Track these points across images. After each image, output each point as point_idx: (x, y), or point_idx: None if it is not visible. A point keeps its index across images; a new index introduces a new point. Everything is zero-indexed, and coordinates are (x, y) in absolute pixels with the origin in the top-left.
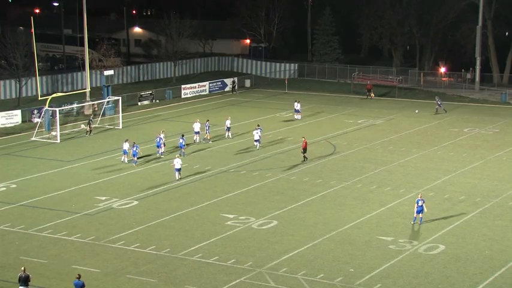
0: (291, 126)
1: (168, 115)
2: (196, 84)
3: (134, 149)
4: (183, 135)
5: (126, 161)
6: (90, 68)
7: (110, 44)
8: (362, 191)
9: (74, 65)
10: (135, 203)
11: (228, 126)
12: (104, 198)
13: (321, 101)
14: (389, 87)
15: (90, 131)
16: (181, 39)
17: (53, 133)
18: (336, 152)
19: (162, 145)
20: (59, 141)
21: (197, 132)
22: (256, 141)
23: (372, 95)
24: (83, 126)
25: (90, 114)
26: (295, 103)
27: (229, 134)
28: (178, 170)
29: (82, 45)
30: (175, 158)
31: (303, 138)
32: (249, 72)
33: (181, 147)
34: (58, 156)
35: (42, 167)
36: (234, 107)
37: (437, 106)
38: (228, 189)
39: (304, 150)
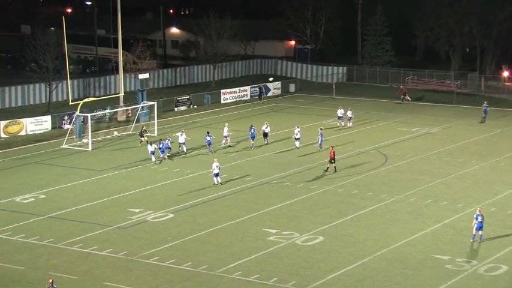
0: (339, 134)
1: (206, 121)
2: (237, 89)
3: (161, 146)
4: (208, 132)
5: (153, 160)
6: (124, 71)
7: (145, 45)
8: (416, 205)
9: (107, 67)
10: (171, 215)
11: (266, 131)
12: (137, 210)
13: (371, 107)
14: (447, 93)
15: (147, 141)
16: (221, 41)
17: (84, 140)
18: (387, 162)
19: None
20: (90, 149)
21: (226, 137)
22: (297, 139)
23: (409, 98)
24: (116, 133)
25: (143, 126)
26: (339, 109)
27: (267, 140)
28: (216, 175)
29: (116, 46)
30: (213, 162)
31: (331, 148)
32: (293, 76)
33: (208, 144)
34: (89, 165)
35: (72, 177)
36: (278, 113)
37: (483, 114)
38: (270, 201)
39: (332, 160)
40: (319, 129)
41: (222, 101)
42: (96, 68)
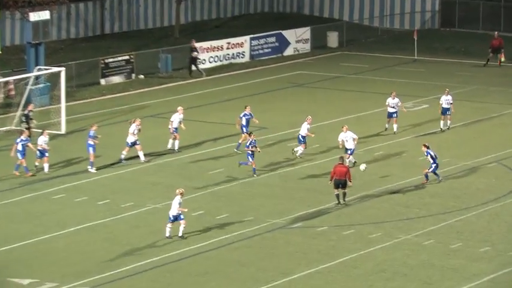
0: (421, 133)
1: (161, 106)
2: (223, 42)
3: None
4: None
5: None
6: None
7: None
8: None
9: None
10: None
11: (304, 134)
12: (27, 281)
13: (488, 80)
14: None
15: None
16: None
17: None
18: None
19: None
20: None
21: (175, 130)
22: (348, 151)
23: (502, 57)
24: None
25: (25, 110)
26: (391, 99)
27: (300, 149)
28: (176, 219)
29: None
30: (176, 195)
31: (340, 161)
32: (335, 16)
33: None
34: None
35: None
36: (304, 89)
37: None
38: (287, 265)
39: (342, 183)
40: (423, 147)
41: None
42: None
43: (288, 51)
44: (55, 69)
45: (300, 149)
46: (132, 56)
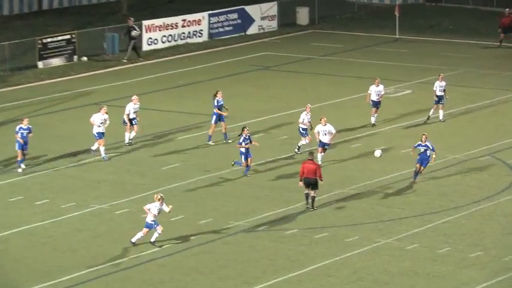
0: (405, 123)
1: (108, 92)
2: (177, 19)
3: None
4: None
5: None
6: None
7: None
8: None
9: None
10: None
11: (307, 122)
12: None
13: (478, 62)
14: None
15: None
16: None
17: None
18: None
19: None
20: None
21: (132, 121)
22: (323, 146)
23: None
24: None
25: None
26: (375, 86)
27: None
28: (151, 226)
29: None
30: (153, 201)
31: (309, 161)
32: None
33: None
34: None
35: None
36: (270, 72)
37: None
38: (252, 272)
39: (312, 183)
40: (424, 138)
41: (146, 47)
42: None
43: (252, 30)
44: None
45: (304, 142)
46: (73, 36)
